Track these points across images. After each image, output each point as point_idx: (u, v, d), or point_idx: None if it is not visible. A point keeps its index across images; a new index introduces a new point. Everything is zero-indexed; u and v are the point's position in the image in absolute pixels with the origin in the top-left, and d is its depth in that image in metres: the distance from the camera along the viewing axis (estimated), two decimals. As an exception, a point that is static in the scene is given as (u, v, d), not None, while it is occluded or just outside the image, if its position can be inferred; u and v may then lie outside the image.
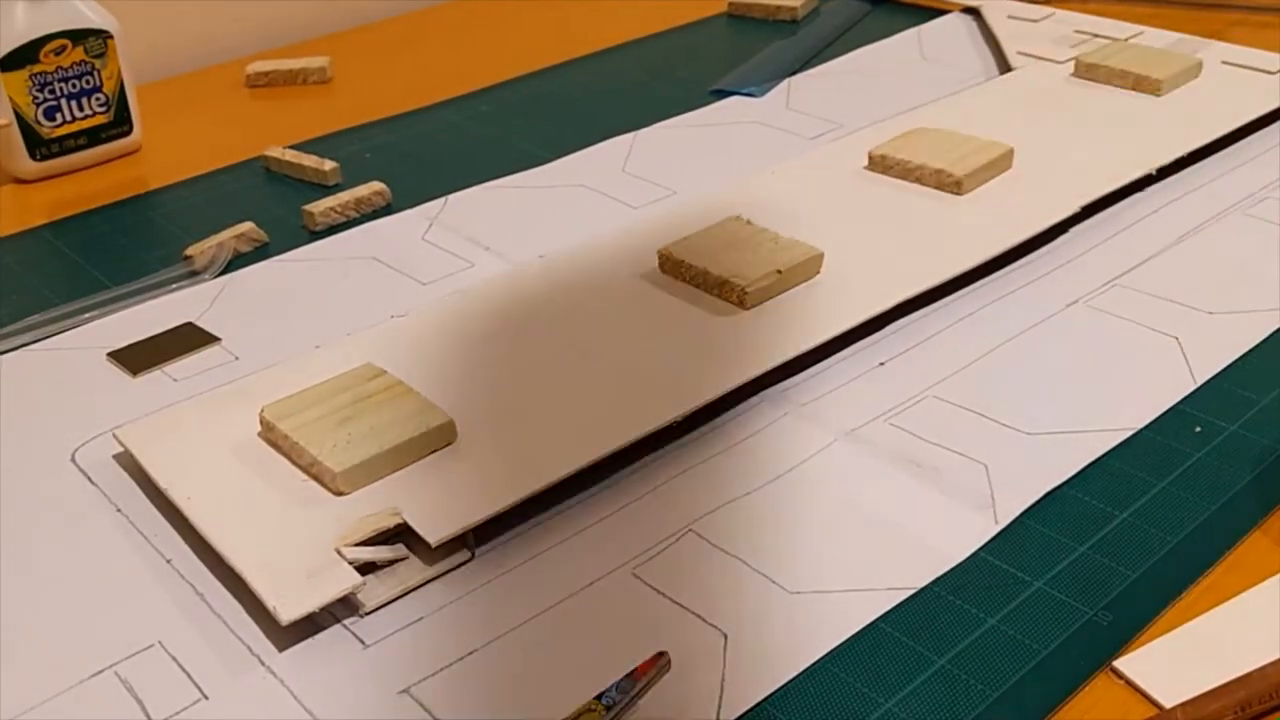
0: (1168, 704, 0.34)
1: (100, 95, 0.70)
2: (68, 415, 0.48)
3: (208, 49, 0.89)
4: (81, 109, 0.70)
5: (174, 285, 0.57)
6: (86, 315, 0.55)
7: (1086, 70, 0.73)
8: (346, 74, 0.84)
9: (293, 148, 0.71)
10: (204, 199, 0.67)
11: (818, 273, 0.53)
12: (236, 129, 0.76)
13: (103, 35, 0.69)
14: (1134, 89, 0.71)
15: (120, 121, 0.71)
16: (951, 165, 0.60)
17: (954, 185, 0.60)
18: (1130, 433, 0.45)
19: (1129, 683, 0.35)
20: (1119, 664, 0.36)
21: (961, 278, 0.54)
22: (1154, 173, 0.62)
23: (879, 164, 0.62)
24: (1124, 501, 0.42)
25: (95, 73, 0.69)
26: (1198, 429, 0.46)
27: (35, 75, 0.67)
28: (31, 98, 0.68)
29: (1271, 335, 0.51)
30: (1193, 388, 0.48)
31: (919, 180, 0.61)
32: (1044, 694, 0.35)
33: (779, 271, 0.51)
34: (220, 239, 0.60)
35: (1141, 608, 0.38)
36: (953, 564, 0.40)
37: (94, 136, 0.71)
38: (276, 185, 0.68)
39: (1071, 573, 0.39)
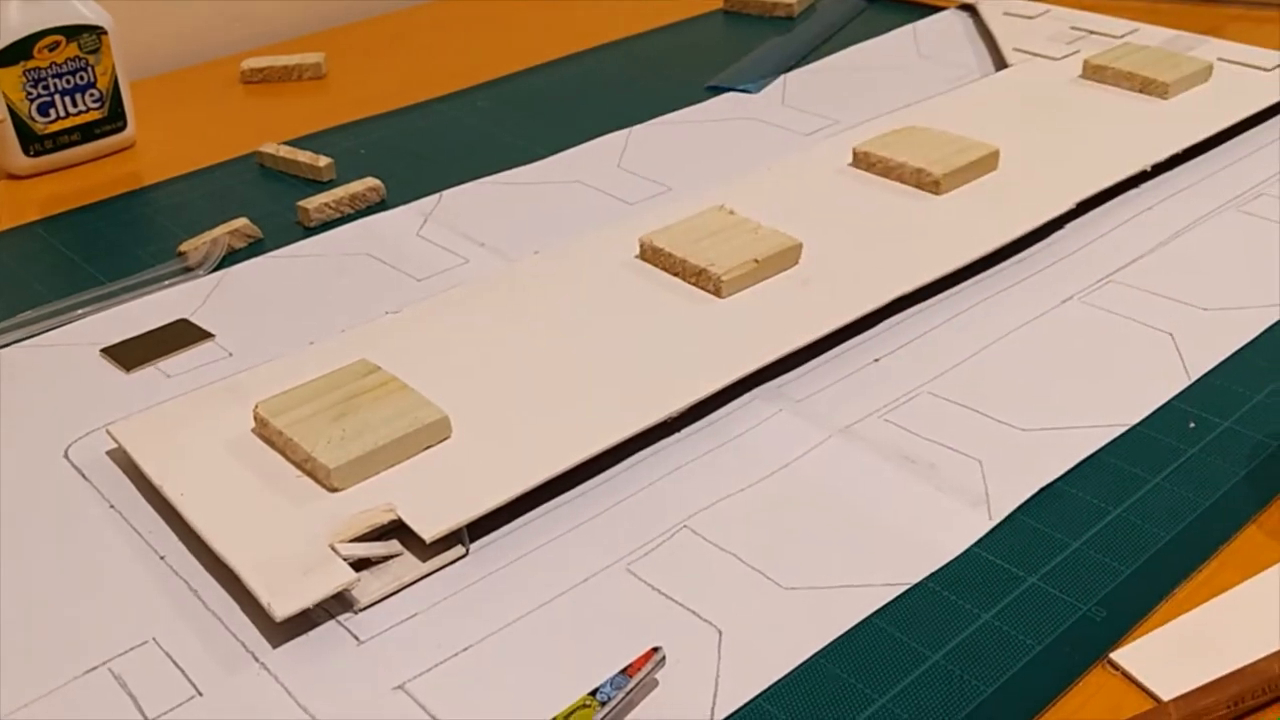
0: (1164, 696, 0.34)
1: (94, 91, 0.70)
2: (61, 411, 0.48)
3: (202, 45, 0.89)
4: (75, 105, 0.69)
5: (168, 281, 0.57)
6: (80, 311, 0.55)
7: (1094, 72, 0.72)
8: (341, 70, 0.83)
9: (287, 144, 0.70)
10: (198, 195, 0.67)
11: (796, 262, 0.53)
12: (231, 125, 0.76)
13: (97, 31, 0.69)
14: (1141, 91, 0.70)
15: (114, 117, 0.71)
16: (932, 165, 0.60)
17: (932, 185, 0.59)
18: (1124, 428, 0.45)
19: (1125, 674, 0.35)
20: (1115, 656, 0.36)
21: (953, 276, 0.54)
22: (1149, 169, 0.62)
23: (862, 161, 0.62)
24: (1118, 497, 0.42)
25: (89, 69, 0.69)
26: (1192, 424, 0.46)
27: (29, 71, 0.67)
28: (25, 93, 0.67)
29: (1266, 331, 0.51)
30: (1187, 383, 0.48)
31: (899, 179, 0.61)
32: (1038, 689, 0.35)
33: (756, 260, 0.51)
34: (214, 235, 0.60)
35: (1136, 603, 0.38)
36: (947, 559, 0.40)
37: (88, 132, 0.71)
38: (271, 181, 0.68)
39: (1066, 568, 0.39)
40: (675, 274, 0.53)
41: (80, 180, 0.69)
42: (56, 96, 0.69)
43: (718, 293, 0.51)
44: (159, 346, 0.52)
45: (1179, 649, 0.36)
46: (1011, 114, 0.68)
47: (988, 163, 0.61)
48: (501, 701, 0.35)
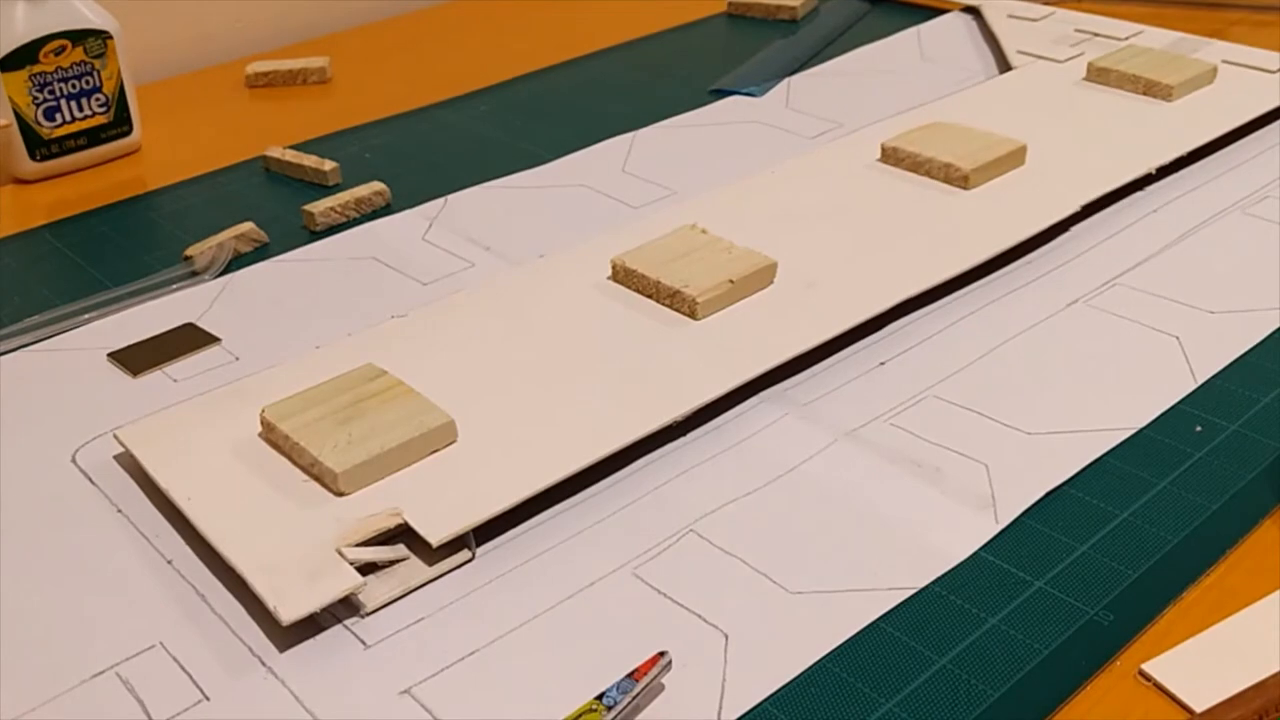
0: (1196, 707, 0.34)
1: (100, 96, 0.70)
2: (68, 416, 0.48)
3: (208, 49, 0.89)
4: (81, 109, 0.70)
5: (174, 285, 0.57)
6: (87, 316, 0.55)
7: (1098, 75, 0.72)
8: (346, 74, 0.84)
9: (293, 148, 0.71)
10: (204, 199, 0.67)
11: (772, 281, 0.52)
12: (236, 129, 0.76)
13: (102, 36, 0.69)
14: (1145, 94, 0.70)
15: (120, 122, 0.71)
16: (960, 160, 0.60)
17: (961, 180, 0.60)
18: (1131, 432, 0.45)
19: (1157, 685, 0.35)
20: (1146, 667, 0.36)
21: (959, 279, 0.54)
22: (1154, 172, 0.62)
23: (890, 156, 0.63)
24: (1125, 501, 0.42)
25: (95, 73, 0.69)
26: (1198, 428, 0.46)
27: (35, 75, 0.67)
28: (31, 98, 0.68)
29: (1272, 334, 0.51)
30: (1193, 387, 0.48)
31: (928, 173, 0.61)
32: (1046, 694, 0.35)
33: (731, 281, 0.51)
34: (220, 239, 0.60)
35: (1142, 607, 0.38)
36: (953, 564, 0.40)
37: (94, 137, 0.71)
38: (276, 185, 0.68)
39: (1072, 572, 0.39)
40: (649, 295, 0.52)
41: (87, 185, 0.69)
42: (62, 101, 0.69)
43: (693, 316, 0.51)
44: (165, 351, 0.52)
45: (1211, 660, 0.36)
46: (1015, 117, 0.68)
47: (1016, 158, 0.62)
48: (508, 705, 0.35)
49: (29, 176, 0.69)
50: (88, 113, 0.70)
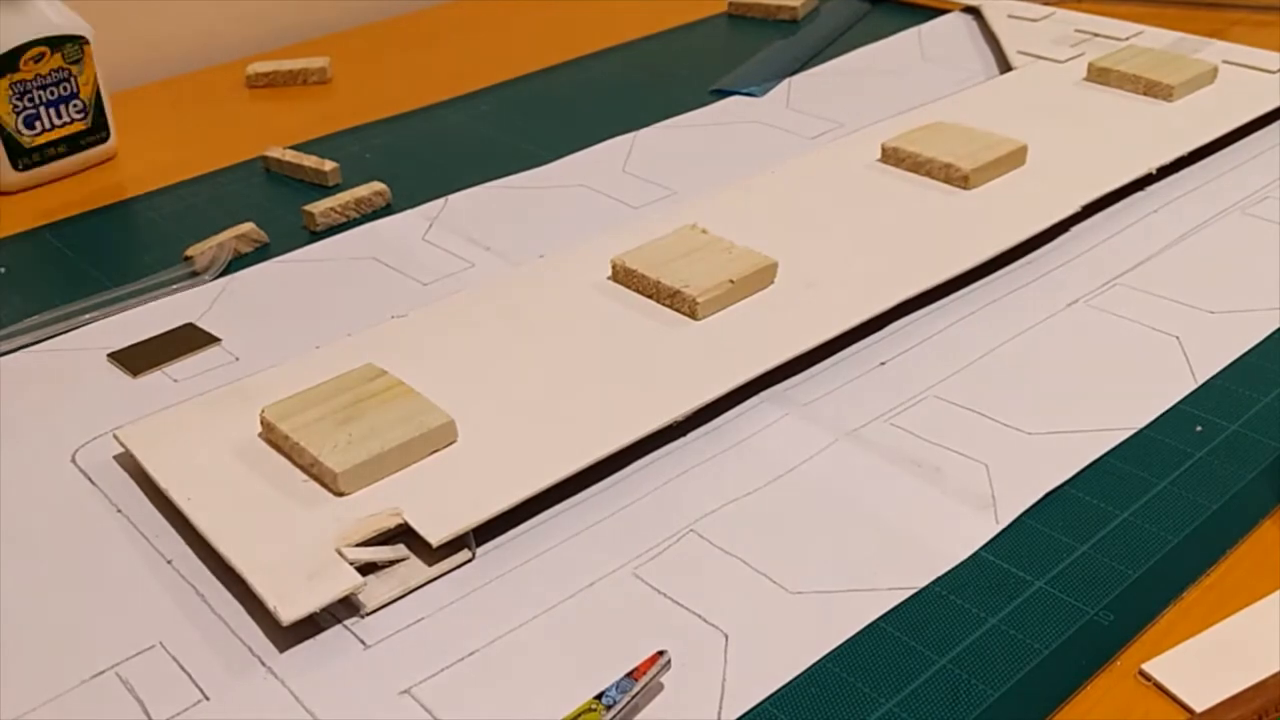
0: (1196, 707, 0.34)
1: (77, 102, 0.69)
2: (68, 416, 0.48)
3: (208, 49, 0.89)
4: (60, 116, 0.68)
5: (174, 286, 0.57)
6: (87, 316, 0.55)
7: (1098, 75, 0.72)
8: (346, 74, 0.84)
9: (293, 148, 0.70)
10: (204, 199, 0.67)
11: (772, 281, 0.53)
12: (237, 129, 0.76)
13: (79, 41, 0.67)
14: (1146, 94, 0.70)
15: (97, 128, 0.70)
16: (960, 160, 0.60)
17: (961, 180, 0.60)
18: (1131, 432, 0.45)
19: (1157, 685, 0.35)
20: (1146, 667, 0.36)
21: (959, 279, 0.54)
22: (1154, 172, 0.62)
23: (890, 156, 0.63)
24: (1125, 501, 0.42)
25: (72, 79, 0.68)
26: (1198, 428, 0.46)
27: (15, 84, 0.66)
28: (11, 106, 0.66)
29: (1272, 334, 0.51)
30: (1193, 387, 0.48)
31: (928, 174, 0.61)
32: (1046, 694, 0.35)
33: (731, 281, 0.51)
34: (220, 239, 0.60)
35: (1143, 607, 0.38)
36: (953, 564, 0.40)
37: (73, 144, 0.69)
38: (277, 185, 0.68)
39: (1072, 572, 0.39)
40: (649, 296, 0.52)
41: (87, 185, 0.69)
42: (41, 109, 0.67)
43: (692, 315, 0.51)
44: (166, 351, 0.52)
45: (1212, 660, 0.36)
46: (1016, 117, 0.68)
47: (1016, 158, 0.62)
48: (507, 705, 0.35)
49: (12, 188, 0.68)
50: (66, 119, 0.68)
